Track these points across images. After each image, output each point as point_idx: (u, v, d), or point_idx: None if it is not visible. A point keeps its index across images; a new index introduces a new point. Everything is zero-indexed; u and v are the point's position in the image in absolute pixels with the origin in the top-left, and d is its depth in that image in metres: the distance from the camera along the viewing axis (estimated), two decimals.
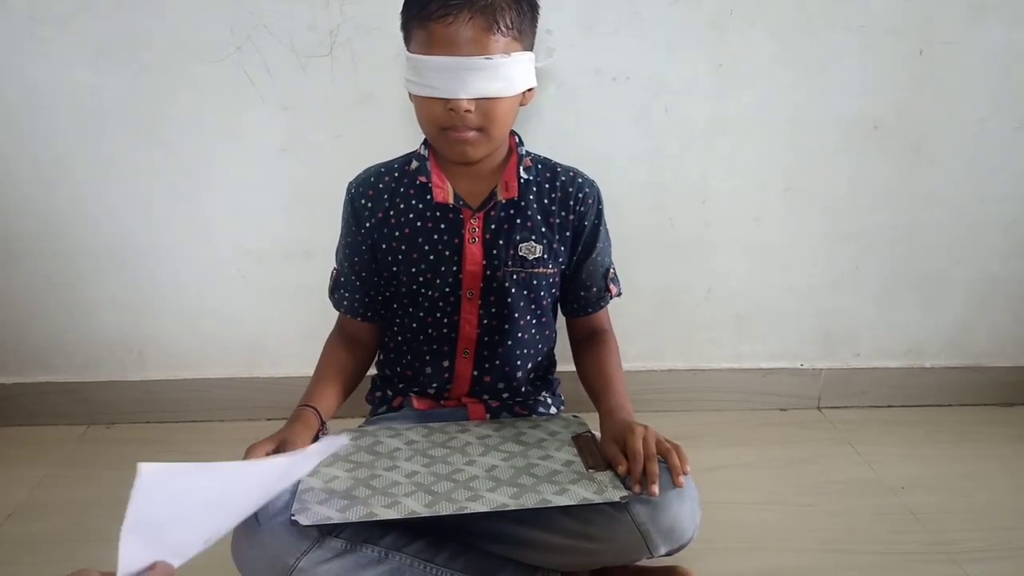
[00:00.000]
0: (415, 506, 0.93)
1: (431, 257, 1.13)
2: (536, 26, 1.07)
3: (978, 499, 1.42)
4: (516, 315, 1.16)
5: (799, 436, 1.65)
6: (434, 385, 1.20)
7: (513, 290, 1.15)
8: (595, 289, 1.22)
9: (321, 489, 0.96)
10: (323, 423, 1.09)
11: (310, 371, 1.18)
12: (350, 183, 1.18)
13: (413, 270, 1.14)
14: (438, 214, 1.13)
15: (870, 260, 1.66)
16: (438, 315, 1.16)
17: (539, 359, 1.24)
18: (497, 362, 1.19)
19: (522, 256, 1.14)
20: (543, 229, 1.15)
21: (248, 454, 0.96)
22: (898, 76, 1.50)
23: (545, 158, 1.20)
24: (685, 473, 0.95)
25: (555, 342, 1.27)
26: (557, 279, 1.20)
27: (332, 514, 0.91)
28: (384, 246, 1.15)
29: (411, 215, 1.14)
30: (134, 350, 1.64)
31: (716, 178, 1.56)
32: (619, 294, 1.25)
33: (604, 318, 1.27)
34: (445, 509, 0.92)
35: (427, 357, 1.19)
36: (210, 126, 1.46)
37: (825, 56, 1.47)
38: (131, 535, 0.67)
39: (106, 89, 1.42)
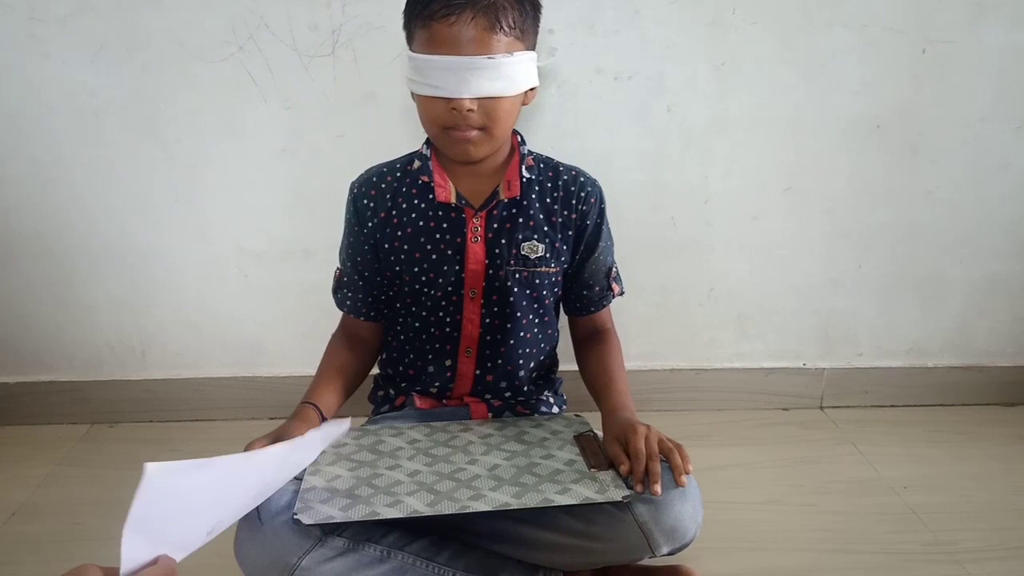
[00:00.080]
0: (417, 505, 0.93)
1: (433, 256, 1.13)
2: (538, 25, 1.07)
3: (980, 499, 1.42)
4: (518, 314, 1.16)
5: (801, 436, 1.65)
6: (436, 384, 1.20)
7: (515, 289, 1.15)
8: (597, 288, 1.22)
9: (323, 488, 0.96)
10: (324, 420, 1.09)
11: (311, 370, 1.18)
12: (352, 183, 1.18)
13: (415, 269, 1.14)
14: (440, 213, 1.13)
15: (871, 259, 1.66)
16: (440, 314, 1.16)
17: (541, 358, 1.24)
18: (499, 361, 1.19)
19: (524, 255, 1.14)
20: (545, 228, 1.15)
21: (248, 450, 0.96)
22: (899, 75, 1.50)
23: (547, 157, 1.20)
24: (687, 472, 0.95)
25: (557, 341, 1.27)
26: (559, 278, 1.20)
27: (334, 513, 0.90)
28: (387, 246, 1.15)
29: (413, 215, 1.14)
30: (136, 349, 1.64)
31: (717, 177, 1.56)
32: (622, 293, 1.25)
33: (607, 317, 1.27)
34: (447, 508, 0.92)
35: (429, 356, 1.19)
36: (211, 126, 1.46)
37: (826, 55, 1.47)
38: (134, 532, 0.67)
39: (106, 89, 1.42)
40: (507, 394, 1.22)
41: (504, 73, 0.99)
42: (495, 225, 1.13)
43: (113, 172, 1.48)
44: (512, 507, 0.93)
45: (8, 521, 1.34)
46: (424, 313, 1.17)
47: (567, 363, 1.29)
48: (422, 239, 1.13)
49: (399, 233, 1.14)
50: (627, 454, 0.98)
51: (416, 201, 1.14)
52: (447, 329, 1.17)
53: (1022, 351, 1.76)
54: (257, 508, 0.92)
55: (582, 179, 1.18)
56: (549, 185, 1.17)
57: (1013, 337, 1.75)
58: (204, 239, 1.55)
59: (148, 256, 1.56)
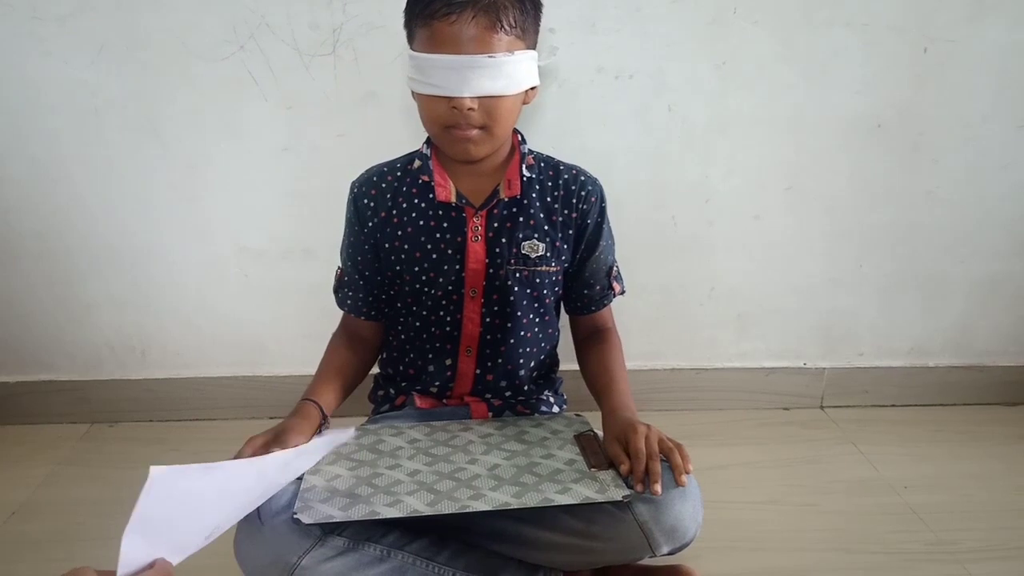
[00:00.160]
0: (417, 505, 0.93)
1: (434, 256, 1.13)
2: (539, 24, 1.06)
3: (981, 498, 1.42)
4: (519, 313, 1.16)
5: (802, 435, 1.65)
6: (436, 383, 1.20)
7: (516, 288, 1.15)
8: (598, 287, 1.22)
9: (323, 487, 0.96)
10: (325, 418, 1.09)
11: (311, 370, 1.18)
12: (353, 182, 1.18)
13: (416, 269, 1.14)
14: (440, 213, 1.13)
15: (872, 259, 1.65)
16: (441, 313, 1.16)
17: (542, 357, 1.24)
18: (500, 360, 1.19)
19: (524, 254, 1.14)
20: (546, 227, 1.15)
21: (246, 446, 0.96)
22: (899, 75, 1.50)
23: (548, 156, 1.20)
24: (687, 472, 0.95)
25: (558, 341, 1.27)
26: (560, 277, 1.20)
27: (334, 512, 0.90)
28: (387, 245, 1.15)
29: (414, 214, 1.14)
30: (136, 349, 1.64)
31: (718, 177, 1.56)
32: (623, 292, 1.25)
33: (608, 316, 1.27)
34: (447, 508, 0.92)
35: (430, 355, 1.19)
36: (211, 125, 1.46)
37: (827, 54, 1.47)
38: (134, 535, 0.67)
39: (106, 88, 1.42)
40: (507, 393, 1.22)
41: (505, 72, 0.99)
42: (495, 224, 1.13)
43: (113, 172, 1.48)
44: (512, 507, 0.93)
45: (8, 520, 1.34)
46: (424, 312, 1.17)
47: (567, 362, 1.29)
48: (422, 238, 1.13)
49: (399, 232, 1.14)
50: (627, 453, 0.97)
51: (416, 200, 1.14)
52: (447, 328, 1.17)
53: (1023, 351, 1.76)
54: (257, 508, 0.92)
55: (583, 178, 1.18)
56: (550, 184, 1.16)
57: (1014, 337, 1.75)
58: (204, 238, 1.55)
59: (148, 256, 1.56)
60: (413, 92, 1.05)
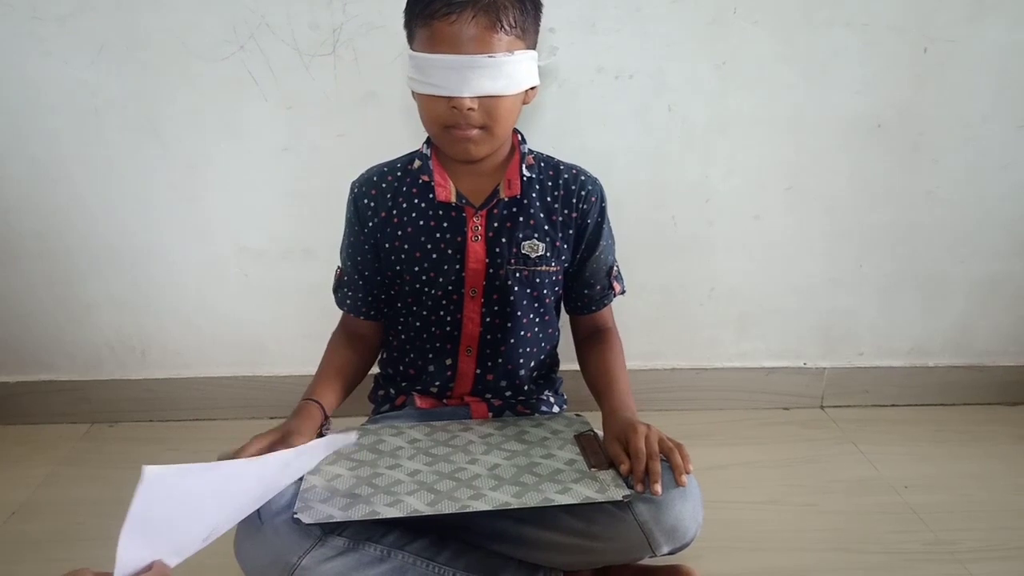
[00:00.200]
0: (417, 505, 0.93)
1: (434, 255, 1.13)
2: (539, 24, 1.06)
3: (981, 498, 1.42)
4: (519, 313, 1.16)
5: (802, 435, 1.65)
6: (437, 383, 1.20)
7: (516, 288, 1.15)
8: (599, 287, 1.22)
9: (323, 487, 0.96)
10: (326, 417, 1.09)
11: (311, 370, 1.18)
12: (353, 183, 1.18)
13: (416, 268, 1.14)
14: (440, 212, 1.13)
15: (872, 259, 1.65)
16: (441, 313, 1.16)
17: (542, 357, 1.24)
18: (500, 360, 1.19)
19: (524, 254, 1.14)
20: (546, 227, 1.15)
21: (252, 444, 0.96)
22: (899, 75, 1.50)
23: (548, 156, 1.20)
24: (688, 472, 0.95)
25: (558, 340, 1.27)
26: (560, 277, 1.20)
27: (334, 512, 0.90)
28: (387, 245, 1.15)
29: (414, 214, 1.14)
30: (136, 349, 1.64)
31: (718, 176, 1.56)
32: (623, 292, 1.25)
33: (608, 316, 1.27)
34: (447, 508, 0.92)
35: (430, 355, 1.19)
36: (212, 125, 1.46)
37: (827, 54, 1.47)
38: (131, 536, 0.67)
39: (107, 88, 1.42)
40: (507, 393, 1.22)
41: (505, 72, 0.99)
42: (495, 224, 1.13)
43: (113, 172, 1.48)
44: (512, 506, 0.93)
45: (8, 520, 1.34)
46: (424, 312, 1.17)
47: (567, 362, 1.29)
48: (422, 238, 1.13)
49: (399, 232, 1.14)
50: (627, 453, 0.97)
51: (416, 200, 1.14)
52: (447, 328, 1.17)
53: (1023, 351, 1.76)
54: (257, 508, 0.92)
55: (583, 178, 1.18)
56: (550, 184, 1.16)
57: (1014, 337, 1.75)
58: (204, 239, 1.55)
59: (148, 255, 1.56)
60: (413, 92, 1.05)
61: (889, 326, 1.72)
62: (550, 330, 1.24)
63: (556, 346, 1.27)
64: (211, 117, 1.45)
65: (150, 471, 0.66)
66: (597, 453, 1.04)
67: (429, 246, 1.13)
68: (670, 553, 1.00)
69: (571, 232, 1.17)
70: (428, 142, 1.15)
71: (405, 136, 1.30)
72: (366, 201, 1.16)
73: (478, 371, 1.20)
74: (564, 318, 1.28)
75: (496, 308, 1.16)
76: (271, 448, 0.95)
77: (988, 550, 1.28)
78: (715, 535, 1.22)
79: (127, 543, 0.67)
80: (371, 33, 1.40)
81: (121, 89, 1.42)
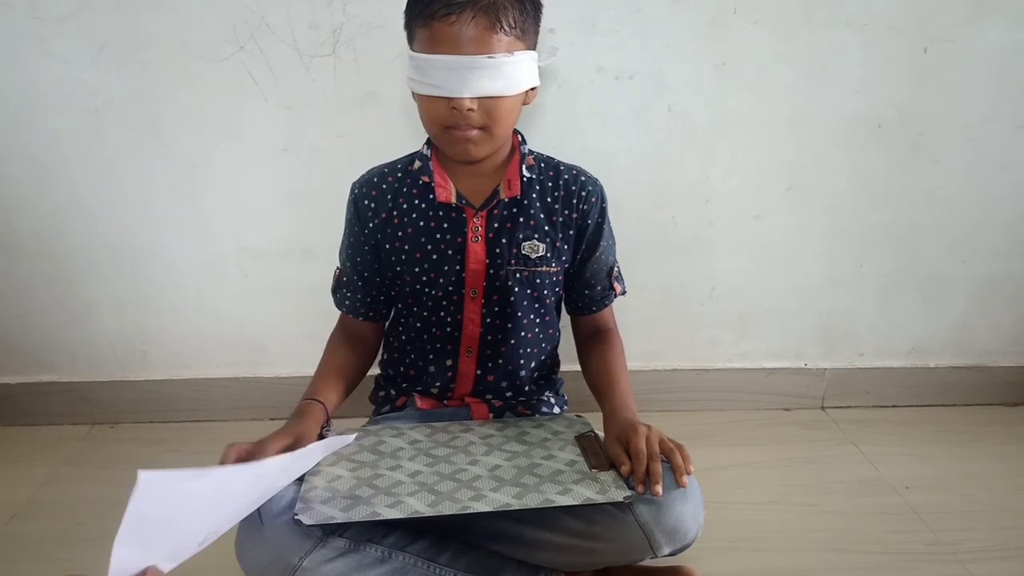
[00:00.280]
0: (418, 506, 0.93)
1: (434, 256, 1.13)
2: (539, 25, 1.06)
3: (982, 499, 1.42)
4: (519, 314, 1.16)
5: (802, 436, 1.65)
6: (437, 384, 1.20)
7: (516, 289, 1.15)
8: (599, 288, 1.22)
9: (324, 489, 0.96)
10: (328, 418, 1.09)
11: (312, 370, 1.18)
12: (354, 183, 1.18)
13: (416, 269, 1.14)
14: (441, 213, 1.13)
15: (872, 259, 1.65)
16: (441, 314, 1.16)
17: (543, 358, 1.24)
18: (500, 361, 1.19)
19: (525, 255, 1.14)
20: (546, 228, 1.15)
21: (264, 448, 0.95)
22: (900, 74, 1.50)
23: (548, 157, 1.20)
24: (688, 473, 0.95)
25: (559, 341, 1.27)
26: (560, 278, 1.20)
27: (335, 514, 0.90)
28: (388, 246, 1.15)
29: (414, 215, 1.14)
30: (137, 350, 1.64)
31: (718, 177, 1.56)
32: (624, 292, 1.25)
33: (609, 317, 1.27)
34: (448, 509, 0.92)
35: (430, 356, 1.19)
36: (212, 125, 1.46)
37: (827, 54, 1.47)
38: (126, 541, 0.66)
39: (107, 88, 1.42)
40: (508, 394, 1.22)
41: (504, 72, 0.99)
42: (496, 225, 1.13)
43: (113, 172, 1.48)
44: (513, 507, 0.93)
45: (10, 521, 1.34)
46: (425, 313, 1.17)
47: (568, 363, 1.29)
48: (423, 239, 1.13)
49: (400, 233, 1.14)
50: (628, 454, 0.97)
51: (417, 201, 1.14)
52: (448, 329, 1.17)
53: (1023, 351, 1.76)
54: (258, 509, 0.92)
55: (583, 178, 1.18)
56: (550, 184, 1.16)
57: (1015, 337, 1.75)
58: (205, 239, 1.55)
59: (148, 256, 1.56)
60: (413, 93, 1.05)
61: (889, 326, 1.72)
62: (551, 331, 1.24)
63: (557, 347, 1.27)
64: (211, 117, 1.45)
65: (145, 475, 0.66)
66: (598, 454, 1.04)
67: (429, 247, 1.13)
68: (671, 554, 1.00)
69: (571, 233, 1.17)
70: (428, 143, 1.15)
71: (405, 137, 1.30)
72: (366, 202, 1.16)
73: (478, 372, 1.20)
74: (565, 319, 1.28)
75: (496, 309, 1.16)
76: (287, 451, 0.95)
77: (989, 550, 1.28)
78: (716, 536, 1.22)
79: (121, 548, 0.66)
80: (371, 33, 1.40)
81: (121, 89, 1.42)
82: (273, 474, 0.90)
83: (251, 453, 0.94)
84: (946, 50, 1.48)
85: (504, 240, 1.13)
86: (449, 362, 1.19)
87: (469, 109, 1.00)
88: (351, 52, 1.41)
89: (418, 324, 1.18)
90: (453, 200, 1.12)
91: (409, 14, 1.02)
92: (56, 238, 1.53)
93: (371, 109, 1.45)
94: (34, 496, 1.41)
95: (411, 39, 1.04)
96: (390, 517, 0.91)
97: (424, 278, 1.14)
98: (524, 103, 1.08)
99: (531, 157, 1.16)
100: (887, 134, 1.54)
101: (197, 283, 1.59)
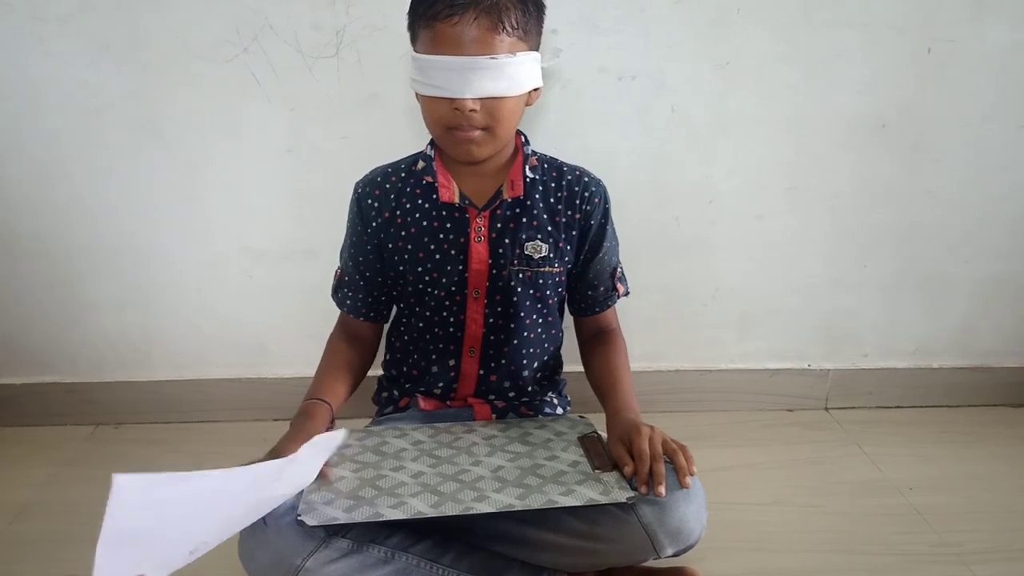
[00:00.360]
0: (421, 507, 0.92)
1: (437, 256, 1.13)
2: (542, 26, 1.06)
3: (986, 500, 1.42)
4: (522, 314, 1.16)
5: (806, 437, 1.65)
6: (440, 384, 1.20)
7: (519, 289, 1.15)
8: (602, 288, 1.22)
9: (327, 489, 0.96)
10: (333, 418, 1.09)
11: (314, 371, 1.17)
12: (357, 183, 1.18)
13: (419, 269, 1.14)
14: (444, 213, 1.13)
15: (875, 259, 1.65)
16: (444, 314, 1.16)
17: (545, 359, 1.24)
18: (503, 361, 1.19)
19: (528, 255, 1.14)
20: (549, 228, 1.15)
21: (277, 456, 0.94)
22: (901, 74, 1.49)
23: (551, 157, 1.20)
24: (692, 474, 0.95)
25: (562, 342, 1.27)
26: (563, 278, 1.19)
27: (338, 515, 0.90)
28: (390, 246, 1.15)
29: (417, 215, 1.14)
30: (140, 350, 1.64)
31: (720, 177, 1.56)
32: (627, 293, 1.25)
33: (612, 317, 1.27)
34: (451, 510, 0.92)
35: (433, 356, 1.19)
36: (214, 126, 1.46)
37: (828, 54, 1.47)
38: (107, 548, 0.66)
39: (108, 89, 1.41)
40: (511, 394, 1.22)
41: (507, 73, 0.99)
42: (499, 225, 1.13)
43: (114, 172, 1.48)
44: (516, 508, 0.93)
45: (13, 521, 1.34)
46: (428, 313, 1.17)
47: (571, 364, 1.29)
48: (426, 239, 1.13)
49: (403, 233, 1.14)
50: (631, 455, 0.97)
51: (420, 201, 1.14)
52: (451, 329, 1.17)
53: None
54: None
55: (586, 179, 1.18)
56: (553, 185, 1.16)
57: (1018, 337, 1.74)
58: (206, 239, 1.55)
59: (150, 256, 1.56)
60: (416, 93, 1.05)
61: (892, 327, 1.72)
62: (553, 331, 1.23)
63: (559, 347, 1.27)
64: (213, 118, 1.45)
65: (121, 479, 0.65)
66: (601, 455, 1.04)
67: (432, 247, 1.13)
68: (674, 555, 1.00)
69: (574, 233, 1.17)
70: (432, 143, 1.15)
71: (408, 138, 1.30)
72: (370, 201, 1.16)
73: (481, 372, 1.19)
74: (568, 320, 1.28)
75: (499, 309, 1.16)
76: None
77: (993, 551, 1.27)
78: (719, 536, 1.21)
79: (104, 555, 0.66)
80: (374, 35, 1.40)
81: (122, 89, 1.42)
82: (267, 481, 0.88)
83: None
84: (947, 50, 1.48)
85: (507, 240, 1.13)
86: (452, 362, 1.19)
87: (472, 110, 1.00)
88: (354, 53, 1.41)
89: (421, 324, 1.18)
90: (456, 200, 1.12)
91: (412, 15, 1.02)
92: (56, 239, 1.53)
93: (374, 110, 1.45)
94: (37, 496, 1.41)
95: (414, 40, 1.04)
96: (393, 518, 0.91)
97: (427, 278, 1.14)
98: (527, 104, 1.08)
99: (534, 158, 1.16)
100: (889, 134, 1.54)
101: (198, 284, 1.59)
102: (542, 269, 1.15)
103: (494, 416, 1.21)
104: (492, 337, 1.18)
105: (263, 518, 0.91)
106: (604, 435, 1.10)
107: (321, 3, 1.37)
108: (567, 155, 1.22)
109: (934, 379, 1.75)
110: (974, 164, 1.58)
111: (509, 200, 1.13)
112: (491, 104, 1.01)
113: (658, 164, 1.54)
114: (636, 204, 1.54)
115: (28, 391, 1.64)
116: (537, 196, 1.15)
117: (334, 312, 1.24)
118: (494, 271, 1.13)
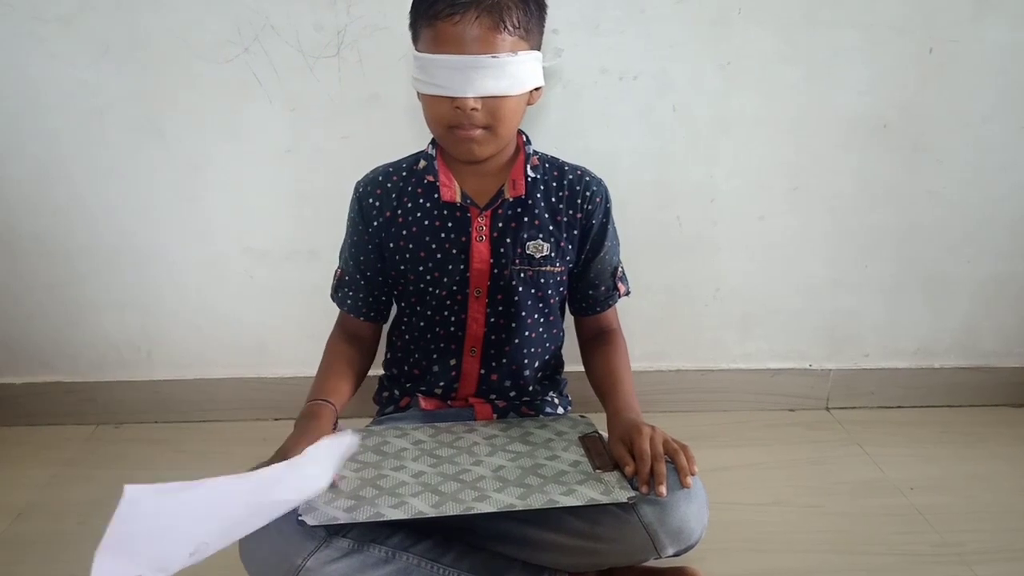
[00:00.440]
0: (422, 506, 0.92)
1: (438, 255, 1.13)
2: (543, 25, 1.06)
3: (987, 500, 1.42)
4: (523, 314, 1.16)
5: (807, 437, 1.65)
6: (441, 384, 1.20)
7: (520, 288, 1.15)
8: (603, 288, 1.22)
9: (328, 489, 0.95)
10: (336, 418, 1.09)
11: (315, 371, 1.17)
12: (358, 182, 1.18)
13: (420, 268, 1.14)
14: (445, 213, 1.13)
15: (877, 259, 1.65)
16: (445, 313, 1.16)
17: (547, 358, 1.23)
18: (504, 361, 1.19)
19: (529, 254, 1.14)
20: (550, 228, 1.15)
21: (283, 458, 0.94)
22: (902, 75, 1.49)
23: (553, 157, 1.20)
24: (693, 474, 0.95)
25: (563, 341, 1.27)
26: (564, 278, 1.19)
27: (339, 514, 0.90)
28: (392, 245, 1.15)
29: (419, 214, 1.14)
30: (141, 350, 1.64)
31: (722, 177, 1.56)
32: (628, 293, 1.25)
33: (612, 317, 1.27)
34: (452, 509, 0.92)
35: (434, 356, 1.19)
36: (214, 126, 1.46)
37: (830, 55, 1.47)
38: (107, 553, 0.66)
39: (108, 89, 1.41)
40: (512, 394, 1.22)
41: (508, 72, 0.99)
42: (500, 224, 1.13)
43: (115, 172, 1.48)
44: (517, 508, 0.92)
45: (15, 521, 1.34)
46: (429, 313, 1.17)
47: (572, 364, 1.29)
48: (427, 238, 1.13)
49: (404, 232, 1.14)
50: (632, 455, 0.97)
51: (421, 200, 1.14)
52: (452, 328, 1.17)
53: None
54: None
55: (588, 179, 1.18)
56: (554, 184, 1.16)
57: (1020, 337, 1.74)
58: (207, 240, 1.55)
59: (151, 256, 1.56)
60: (417, 92, 1.05)
61: (894, 327, 1.72)
62: (554, 331, 1.23)
63: (561, 347, 1.27)
64: (214, 118, 1.45)
65: (132, 490, 0.65)
66: (602, 455, 1.04)
67: (434, 246, 1.13)
68: (675, 555, 1.00)
69: (576, 233, 1.17)
70: (433, 143, 1.15)
71: (409, 137, 1.30)
72: (371, 200, 1.16)
73: (482, 372, 1.19)
74: (569, 320, 1.28)
75: (500, 308, 1.16)
76: None
77: (994, 552, 1.27)
78: (720, 536, 1.21)
79: (104, 557, 0.66)
80: (375, 35, 1.40)
81: (122, 89, 1.42)
82: (272, 486, 0.86)
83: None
84: (949, 50, 1.48)
85: (508, 240, 1.13)
86: (453, 362, 1.19)
87: (473, 109, 1.00)
88: (355, 53, 1.41)
89: (422, 324, 1.18)
90: (458, 199, 1.12)
91: (413, 14, 1.03)
92: (57, 239, 1.53)
93: (375, 110, 1.45)
94: (38, 496, 1.41)
95: (415, 39, 1.04)
96: (394, 518, 0.91)
97: (428, 277, 1.14)
98: (528, 103, 1.08)
99: (536, 157, 1.16)
100: (890, 134, 1.54)
101: (199, 284, 1.59)
102: (543, 268, 1.15)
103: (495, 416, 1.21)
104: (493, 336, 1.17)
105: None
106: (605, 435, 1.10)
107: (322, 3, 1.37)
108: (569, 155, 1.22)
109: (935, 379, 1.75)
110: (975, 164, 1.58)
111: (510, 199, 1.13)
112: (492, 103, 1.01)
113: (660, 164, 1.53)
114: (637, 204, 1.54)
115: (28, 391, 1.64)
116: (538, 195, 1.15)
117: (335, 312, 1.24)
118: (495, 270, 1.13)
